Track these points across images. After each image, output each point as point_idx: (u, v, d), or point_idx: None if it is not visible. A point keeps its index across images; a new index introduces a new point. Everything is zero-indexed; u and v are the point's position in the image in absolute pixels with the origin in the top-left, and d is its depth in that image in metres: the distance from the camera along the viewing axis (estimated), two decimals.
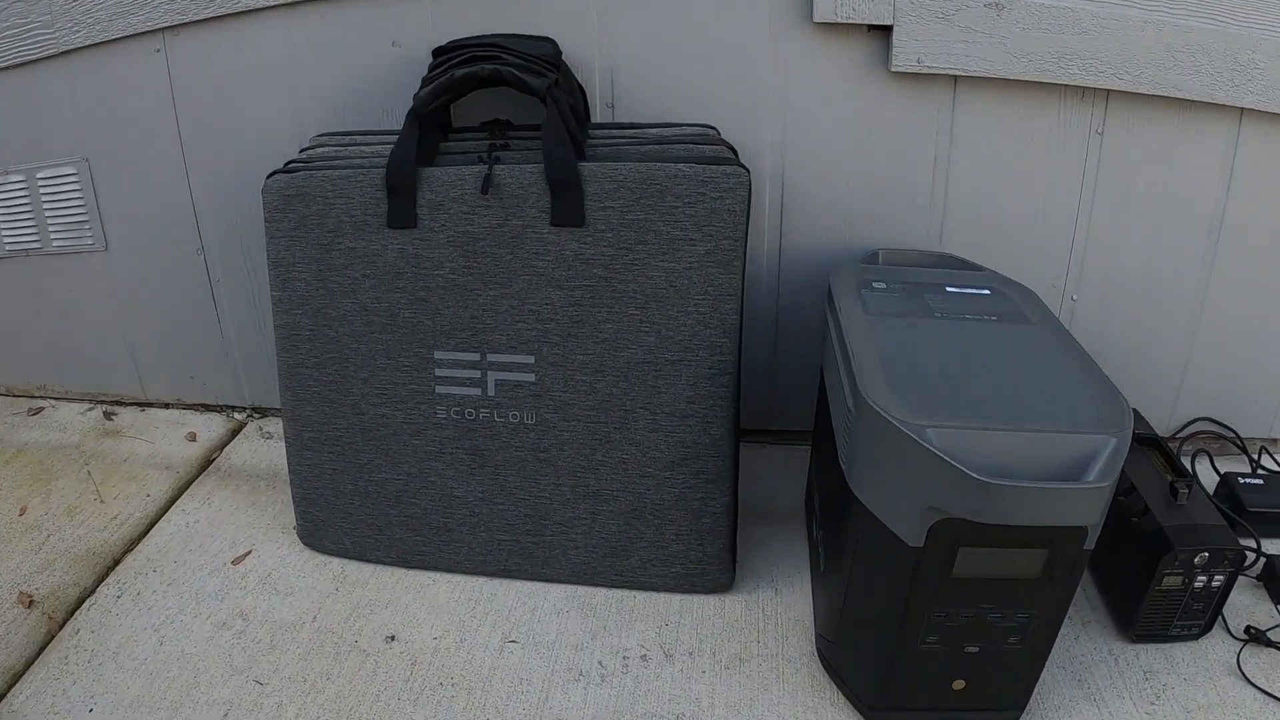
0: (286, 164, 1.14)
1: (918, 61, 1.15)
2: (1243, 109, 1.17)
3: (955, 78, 1.18)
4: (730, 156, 1.06)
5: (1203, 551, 1.05)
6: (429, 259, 1.07)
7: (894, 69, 1.16)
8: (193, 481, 1.34)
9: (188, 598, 1.14)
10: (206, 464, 1.37)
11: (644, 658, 1.07)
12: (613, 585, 1.16)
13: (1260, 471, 1.32)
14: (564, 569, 1.15)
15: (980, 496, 0.82)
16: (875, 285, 1.11)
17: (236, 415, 1.47)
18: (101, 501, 1.29)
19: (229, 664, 1.05)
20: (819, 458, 1.14)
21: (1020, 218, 1.25)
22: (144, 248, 1.38)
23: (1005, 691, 0.99)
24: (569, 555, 1.15)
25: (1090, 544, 0.88)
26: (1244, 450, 1.36)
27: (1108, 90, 1.17)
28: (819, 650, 1.07)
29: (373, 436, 1.14)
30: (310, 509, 1.19)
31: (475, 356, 1.09)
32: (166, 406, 1.48)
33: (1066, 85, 1.17)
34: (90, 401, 1.53)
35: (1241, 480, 1.26)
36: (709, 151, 1.07)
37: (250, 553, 1.21)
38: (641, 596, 1.16)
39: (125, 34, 1.26)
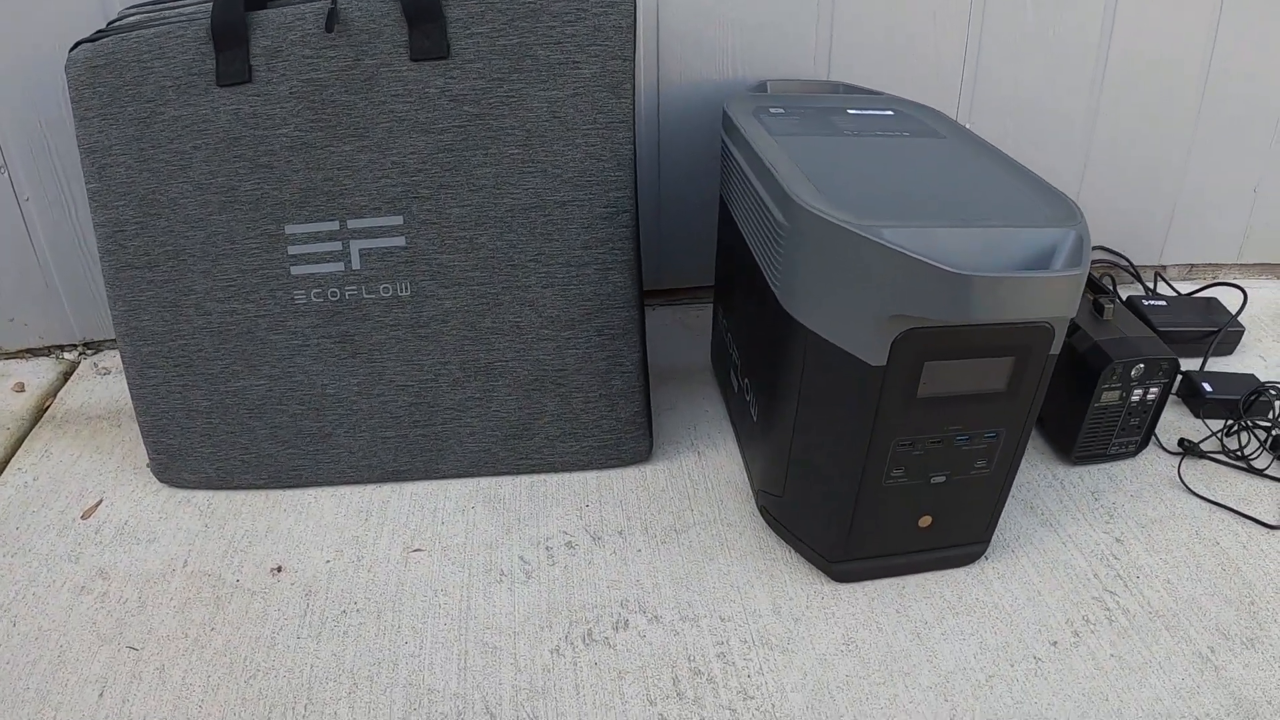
0: (94, 35, 0.84)
1: None
2: None
3: None
4: None
5: (1139, 363, 0.89)
6: (269, 116, 0.79)
7: None
8: (26, 436, 1.01)
9: (37, 566, 0.83)
10: (40, 414, 1.04)
11: (569, 545, 0.83)
12: (519, 471, 0.91)
13: (1158, 294, 1.17)
14: (461, 461, 0.90)
15: (955, 292, 0.62)
16: (773, 111, 0.90)
17: (66, 355, 1.13)
18: None
19: (95, 633, 0.76)
20: (732, 301, 0.92)
21: (910, 45, 1.05)
22: None
23: (971, 524, 0.80)
24: (465, 444, 0.89)
25: (1056, 348, 0.70)
26: (1137, 277, 1.21)
27: None
28: (763, 509, 0.85)
29: (224, 339, 0.85)
30: (162, 438, 0.89)
31: (334, 225, 0.82)
32: None
33: None
34: None
35: (1146, 302, 1.11)
36: None
37: (101, 502, 0.90)
38: (553, 479, 0.91)
39: None
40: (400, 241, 0.82)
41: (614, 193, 0.82)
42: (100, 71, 0.80)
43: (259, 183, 0.81)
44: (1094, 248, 1.20)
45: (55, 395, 1.07)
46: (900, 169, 0.76)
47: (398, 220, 0.82)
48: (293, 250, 0.82)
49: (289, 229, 0.82)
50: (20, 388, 1.07)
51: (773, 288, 0.74)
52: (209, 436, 0.88)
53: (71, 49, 0.81)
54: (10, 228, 1.05)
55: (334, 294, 0.83)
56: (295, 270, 0.83)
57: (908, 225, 0.65)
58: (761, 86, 0.97)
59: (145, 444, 0.91)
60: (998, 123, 1.10)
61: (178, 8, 0.87)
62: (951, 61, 1.06)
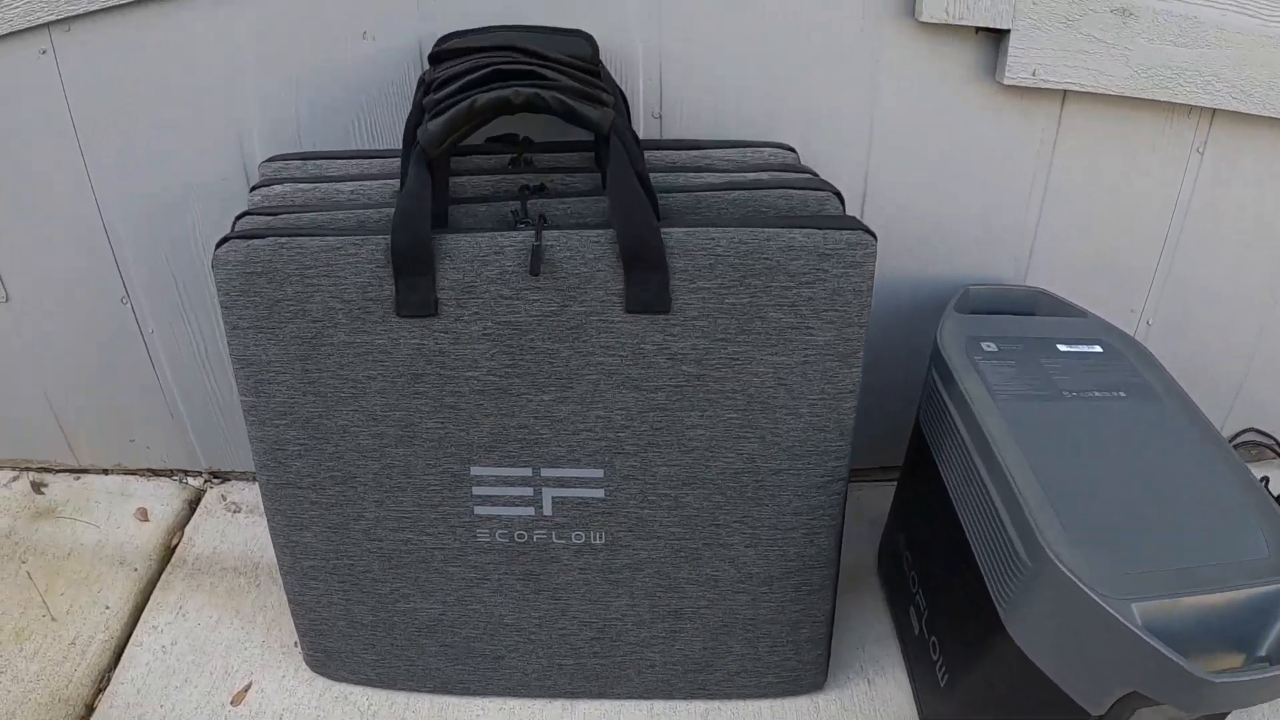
0: (239, 219, 0.75)
1: (1033, 74, 0.84)
2: None
3: (1064, 92, 0.88)
4: (847, 216, 0.74)
5: None
6: (459, 356, 0.73)
7: (1005, 81, 0.84)
8: (156, 582, 0.97)
9: None
10: (168, 553, 1.00)
11: None
12: (693, 698, 0.89)
13: None
14: (637, 688, 0.88)
15: (1191, 688, 0.61)
16: (985, 347, 0.84)
17: (191, 481, 1.09)
18: (53, 619, 0.92)
19: None
20: (925, 547, 0.90)
21: (1110, 241, 0.98)
22: (55, 298, 0.96)
23: None
24: (643, 674, 0.87)
25: None
26: None
27: (1213, 109, 0.90)
28: None
29: (395, 564, 0.81)
30: (321, 640, 0.86)
31: (526, 472, 0.77)
32: (105, 473, 1.08)
33: (1176, 103, 0.89)
34: (12, 469, 1.10)
35: None
36: (812, 200, 0.76)
37: (250, 686, 0.88)
38: (727, 706, 0.89)
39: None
40: (599, 494, 0.78)
41: (832, 463, 0.77)
42: (256, 279, 0.70)
43: (443, 422, 0.75)
44: (1245, 430, 1.17)
45: (182, 530, 1.03)
46: (1131, 475, 0.73)
47: (598, 473, 0.77)
48: (478, 491, 0.78)
49: (475, 470, 0.77)
50: (144, 515, 1.03)
51: (997, 605, 0.72)
52: (373, 646, 0.86)
53: (218, 245, 0.71)
54: (135, 355, 0.99)
55: (521, 535, 0.79)
56: (479, 510, 0.78)
57: (1155, 597, 0.64)
58: (965, 295, 0.91)
59: (302, 641, 0.88)
60: (1178, 312, 1.05)
61: (333, 182, 0.79)
62: (1147, 257, 1.00)
